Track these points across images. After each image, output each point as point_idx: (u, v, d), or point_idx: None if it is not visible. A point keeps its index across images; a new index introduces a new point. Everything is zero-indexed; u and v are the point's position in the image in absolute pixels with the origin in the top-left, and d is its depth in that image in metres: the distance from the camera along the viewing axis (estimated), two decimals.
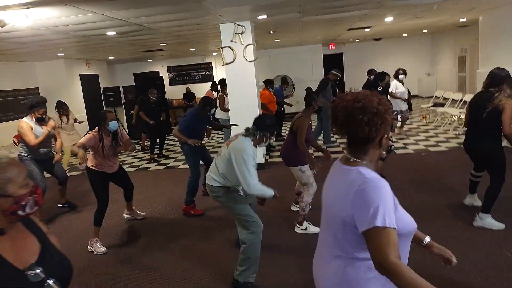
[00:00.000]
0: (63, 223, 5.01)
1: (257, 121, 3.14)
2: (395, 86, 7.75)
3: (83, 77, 10.86)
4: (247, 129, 3.12)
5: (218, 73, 14.09)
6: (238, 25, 6.21)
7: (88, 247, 4.06)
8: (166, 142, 9.36)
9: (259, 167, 6.46)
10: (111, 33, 6.06)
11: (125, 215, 4.90)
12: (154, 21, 5.53)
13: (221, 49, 6.44)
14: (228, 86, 6.64)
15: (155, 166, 7.84)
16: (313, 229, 3.97)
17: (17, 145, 8.68)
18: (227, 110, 8.07)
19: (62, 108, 7.17)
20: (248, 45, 6.32)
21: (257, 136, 3.07)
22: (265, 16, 5.91)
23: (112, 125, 4.05)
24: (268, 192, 2.98)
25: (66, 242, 4.31)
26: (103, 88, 11.84)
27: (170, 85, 14.25)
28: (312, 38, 11.26)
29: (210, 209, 4.98)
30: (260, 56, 13.08)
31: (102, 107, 11.84)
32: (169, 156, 8.57)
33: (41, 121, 4.71)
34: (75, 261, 3.75)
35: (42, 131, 4.70)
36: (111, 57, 11.07)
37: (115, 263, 3.76)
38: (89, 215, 4.56)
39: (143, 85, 11.54)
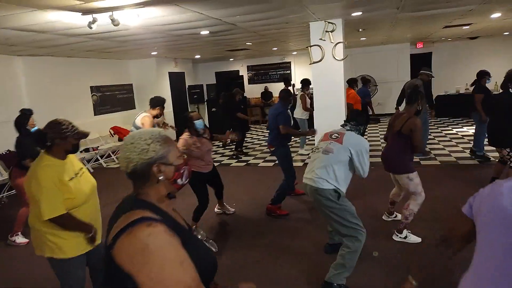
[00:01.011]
0: None
1: (356, 116, 3.20)
2: None
3: (171, 75, 11.48)
4: (348, 124, 3.19)
5: (297, 72, 13.99)
6: (329, 22, 6.05)
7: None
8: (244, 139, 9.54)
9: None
10: (204, 32, 6.28)
11: (216, 210, 5.02)
12: (246, 20, 5.60)
13: (309, 47, 6.33)
14: (314, 85, 6.51)
15: (235, 162, 7.99)
16: (413, 238, 3.72)
17: (112, 136, 9.47)
18: (308, 110, 7.96)
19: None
20: (338, 43, 6.14)
21: (360, 131, 3.18)
22: (359, 13, 5.68)
23: (198, 124, 4.11)
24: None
25: None
26: (188, 85, 12.42)
27: (249, 84, 14.49)
28: (400, 37, 10.66)
29: (296, 211, 4.91)
30: None
31: (187, 103, 12.43)
32: (248, 154, 8.68)
33: (157, 118, 5.18)
34: None
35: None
36: (197, 56, 11.53)
37: None
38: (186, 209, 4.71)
39: (224, 83, 11.92)
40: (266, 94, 13.77)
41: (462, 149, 7.45)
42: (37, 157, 2.37)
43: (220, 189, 4.72)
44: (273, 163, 7.64)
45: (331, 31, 6.09)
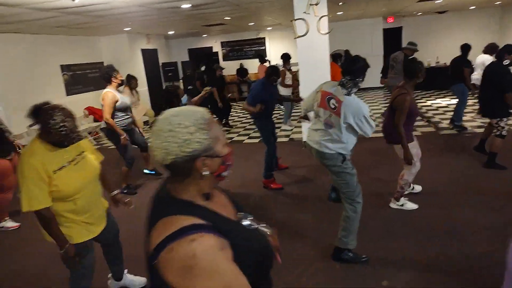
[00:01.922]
0: (152, 190, 5.21)
1: (350, 67, 2.86)
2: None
3: (144, 52, 11.07)
4: (344, 85, 2.87)
5: (271, 48, 13.88)
6: None
7: None
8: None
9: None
10: (185, 5, 6.06)
11: None
12: None
13: (293, 21, 6.26)
14: (299, 60, 6.50)
15: None
16: (410, 205, 3.88)
17: (87, 117, 9.11)
18: (287, 86, 7.95)
19: (132, 81, 7.26)
20: (322, 16, 6.10)
21: (358, 84, 2.87)
22: None
23: (183, 99, 4.08)
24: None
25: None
26: (162, 63, 12.04)
27: (223, 60, 14.25)
28: (374, 11, 10.77)
29: (289, 184, 4.99)
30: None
31: (161, 81, 12.09)
32: (231, 131, 8.64)
33: (121, 86, 4.83)
34: None
35: (126, 99, 4.83)
36: (170, 32, 11.15)
37: None
38: None
39: (200, 60, 11.67)
40: (242, 70, 13.61)
41: (440, 120, 7.76)
42: (32, 139, 2.20)
43: None
44: (258, 139, 7.65)
45: (316, 4, 6.04)
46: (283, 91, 8.16)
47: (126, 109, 4.84)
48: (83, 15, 6.22)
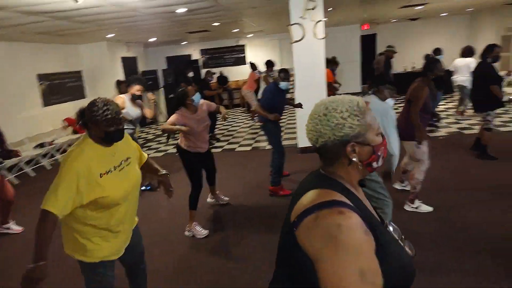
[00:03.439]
0: (152, 203, 4.95)
1: (375, 81, 3.32)
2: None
3: (123, 60, 10.71)
4: (370, 90, 3.23)
5: (251, 55, 13.85)
6: (310, 0, 6.00)
7: (186, 232, 3.93)
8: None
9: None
10: (181, 10, 5.89)
11: (209, 200, 4.71)
12: None
13: (290, 26, 6.25)
14: (295, 64, 6.45)
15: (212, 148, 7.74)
16: (425, 208, 3.87)
17: (66, 129, 8.65)
18: None
19: (122, 86, 7.15)
20: (318, 21, 6.13)
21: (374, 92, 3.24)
22: None
23: (196, 98, 3.81)
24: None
25: (157, 225, 4.27)
26: (142, 71, 11.70)
27: (203, 68, 14.05)
28: (355, 17, 11.00)
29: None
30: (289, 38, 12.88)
31: None
32: (220, 140, 8.47)
33: (136, 99, 4.57)
34: (174, 245, 3.68)
35: (134, 111, 4.58)
36: (152, 39, 10.86)
37: (212, 250, 3.68)
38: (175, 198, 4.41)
39: (180, 68, 11.44)
40: (222, 78, 13.44)
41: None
42: (81, 139, 2.01)
43: (213, 173, 4.40)
44: (250, 147, 7.54)
45: (312, 9, 6.06)
46: None
47: (129, 121, 4.61)
48: (72, 20, 5.91)
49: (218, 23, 8.27)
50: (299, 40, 6.21)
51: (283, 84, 4.62)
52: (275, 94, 4.71)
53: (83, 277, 2.12)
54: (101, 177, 1.92)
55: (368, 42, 14.40)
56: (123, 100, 4.51)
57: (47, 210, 1.81)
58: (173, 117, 3.79)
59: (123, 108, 4.42)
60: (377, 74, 8.41)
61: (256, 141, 7.95)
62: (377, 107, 3.07)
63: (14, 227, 4.47)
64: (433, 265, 2.95)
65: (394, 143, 3.18)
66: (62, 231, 2.08)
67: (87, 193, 1.88)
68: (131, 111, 4.54)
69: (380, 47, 14.86)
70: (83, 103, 9.71)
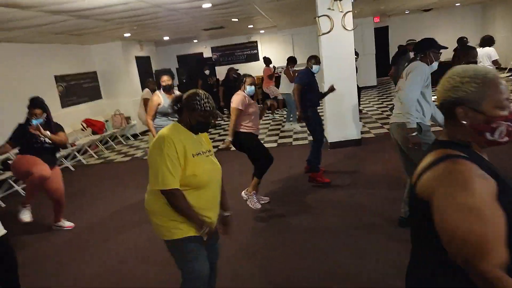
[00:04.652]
0: None
1: (416, 47, 3.47)
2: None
3: (137, 60, 10.57)
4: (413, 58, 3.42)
5: (263, 51, 13.67)
6: None
7: (243, 194, 4.15)
8: None
9: (355, 143, 6.27)
10: (207, 5, 5.75)
11: (243, 194, 4.31)
12: None
13: (317, 18, 6.09)
14: (323, 58, 6.26)
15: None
16: None
17: (85, 130, 8.53)
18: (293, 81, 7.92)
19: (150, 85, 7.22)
20: (347, 12, 5.97)
21: (421, 58, 3.28)
22: None
23: (250, 90, 4.07)
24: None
25: None
26: (155, 70, 11.56)
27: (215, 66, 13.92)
28: (369, 10, 10.82)
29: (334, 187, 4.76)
30: (303, 33, 12.70)
31: (156, 89, 11.59)
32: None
33: (167, 90, 4.60)
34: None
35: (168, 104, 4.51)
36: (165, 38, 10.71)
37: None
38: None
39: (196, 66, 11.36)
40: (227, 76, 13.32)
41: None
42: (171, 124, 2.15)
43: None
44: (276, 143, 7.40)
45: (340, 0, 5.90)
46: (288, 90, 8.11)
47: (166, 114, 4.56)
48: (94, 18, 5.77)
49: (237, 19, 8.11)
50: (328, 32, 6.05)
51: (315, 68, 4.82)
52: (310, 79, 4.83)
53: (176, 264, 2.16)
54: (193, 157, 2.02)
55: (380, 35, 14.23)
56: (158, 96, 4.60)
57: (170, 189, 1.94)
58: (236, 101, 3.99)
59: (159, 104, 4.45)
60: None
61: (280, 137, 7.81)
62: (427, 71, 3.19)
63: (66, 223, 4.50)
64: None
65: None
66: (154, 221, 2.12)
67: (183, 167, 1.99)
68: (167, 104, 4.47)
69: (393, 40, 14.69)
70: (99, 104, 9.62)
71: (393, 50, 14.36)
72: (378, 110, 9.41)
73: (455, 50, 8.00)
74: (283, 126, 8.77)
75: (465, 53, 3.96)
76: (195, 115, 2.05)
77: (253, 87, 4.10)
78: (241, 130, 4.05)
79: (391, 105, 8.36)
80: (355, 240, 3.37)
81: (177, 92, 4.85)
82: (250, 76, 4.23)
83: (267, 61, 10.06)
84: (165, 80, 4.61)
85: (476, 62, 4.02)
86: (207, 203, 2.12)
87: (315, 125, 4.88)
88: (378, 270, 2.86)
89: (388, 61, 13.50)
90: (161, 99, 4.56)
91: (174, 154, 1.94)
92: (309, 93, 4.75)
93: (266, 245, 3.52)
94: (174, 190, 1.95)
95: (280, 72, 9.51)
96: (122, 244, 3.90)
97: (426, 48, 3.25)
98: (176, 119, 4.78)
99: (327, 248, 3.29)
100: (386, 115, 8.55)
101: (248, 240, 3.64)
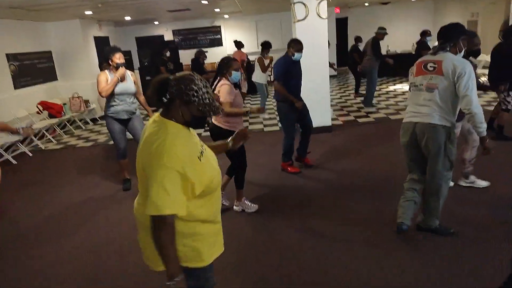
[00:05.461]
0: None
1: (443, 33, 2.82)
2: None
3: (96, 40, 9.99)
4: (439, 47, 2.79)
5: (227, 37, 13.50)
6: None
7: (236, 208, 3.83)
8: None
9: (326, 129, 6.45)
10: None
11: (236, 208, 3.91)
12: None
13: (292, 4, 6.11)
14: None
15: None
16: (480, 182, 3.82)
17: (41, 113, 7.98)
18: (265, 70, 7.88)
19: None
20: (321, 1, 6.05)
21: (450, 48, 2.78)
22: None
23: (235, 76, 3.54)
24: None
25: None
26: (105, 48, 10.99)
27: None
28: (334, 0, 11.02)
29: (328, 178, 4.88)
30: (267, 19, 12.71)
31: None
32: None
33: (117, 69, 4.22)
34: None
35: (123, 85, 4.28)
36: (127, 18, 10.19)
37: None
38: None
39: (161, 49, 10.94)
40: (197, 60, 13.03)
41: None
42: (157, 123, 1.62)
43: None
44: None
45: None
46: (260, 79, 8.05)
47: (121, 94, 4.32)
48: None
49: (206, 1, 7.91)
50: (303, 19, 6.11)
51: (297, 55, 4.44)
52: (290, 66, 4.48)
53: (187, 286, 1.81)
54: (200, 160, 1.61)
55: (340, 25, 14.57)
56: (106, 76, 4.23)
57: (163, 215, 1.49)
58: (225, 89, 3.45)
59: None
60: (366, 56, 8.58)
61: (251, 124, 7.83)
62: (452, 63, 2.69)
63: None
64: None
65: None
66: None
67: (198, 180, 1.57)
68: (119, 87, 4.24)
69: (351, 31, 15.11)
70: (55, 86, 8.99)
71: (351, 41, 14.84)
72: (341, 99, 9.71)
73: (417, 42, 8.52)
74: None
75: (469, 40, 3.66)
76: (192, 108, 1.58)
77: (238, 73, 3.57)
78: (222, 126, 3.54)
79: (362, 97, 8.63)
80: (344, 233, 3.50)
81: (129, 72, 4.43)
82: (235, 60, 3.65)
83: (238, 44, 9.34)
84: (119, 57, 4.20)
85: (479, 50, 3.74)
86: (218, 205, 1.84)
87: (288, 125, 4.71)
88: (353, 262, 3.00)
89: (346, 52, 13.91)
90: (109, 79, 4.21)
91: (179, 169, 1.50)
92: (292, 84, 4.51)
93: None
94: (169, 216, 1.52)
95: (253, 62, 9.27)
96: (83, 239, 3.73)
97: (458, 35, 2.80)
98: (136, 103, 4.52)
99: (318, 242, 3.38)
100: (350, 103, 8.90)
101: (246, 240, 3.64)
